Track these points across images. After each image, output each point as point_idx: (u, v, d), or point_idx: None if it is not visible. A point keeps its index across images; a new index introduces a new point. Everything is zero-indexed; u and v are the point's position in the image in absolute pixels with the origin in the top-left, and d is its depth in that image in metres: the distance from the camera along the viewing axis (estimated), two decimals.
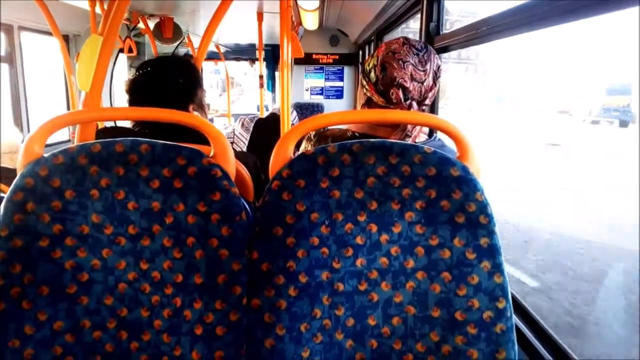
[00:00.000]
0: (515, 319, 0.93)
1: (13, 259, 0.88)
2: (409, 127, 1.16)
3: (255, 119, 3.17)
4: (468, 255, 0.90)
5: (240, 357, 0.91)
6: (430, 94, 1.20)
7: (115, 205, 0.91)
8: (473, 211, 0.90)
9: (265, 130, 3.07)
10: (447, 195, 0.90)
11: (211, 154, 0.94)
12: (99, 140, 0.92)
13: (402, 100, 1.18)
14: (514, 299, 0.92)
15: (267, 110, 3.12)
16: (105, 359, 0.92)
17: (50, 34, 3.91)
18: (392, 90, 1.18)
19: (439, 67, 1.21)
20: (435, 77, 1.20)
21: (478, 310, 0.90)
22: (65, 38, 4.17)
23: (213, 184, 0.91)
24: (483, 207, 0.90)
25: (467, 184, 0.90)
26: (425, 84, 1.18)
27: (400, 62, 1.17)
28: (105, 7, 3.31)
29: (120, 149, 0.90)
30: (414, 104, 1.18)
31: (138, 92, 1.32)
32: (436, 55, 1.21)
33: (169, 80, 1.33)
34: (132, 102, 1.32)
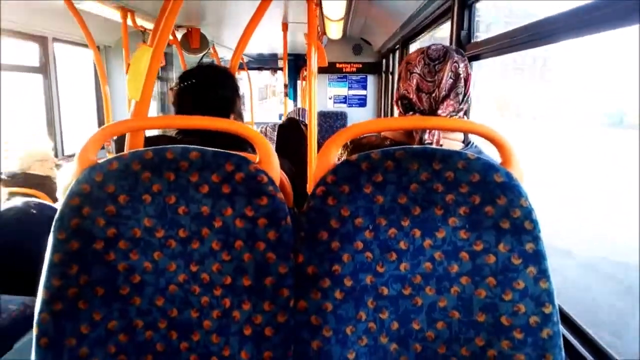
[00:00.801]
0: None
1: (70, 260, 0.91)
2: (424, 136, 1.15)
3: (277, 126, 3.22)
4: (513, 260, 0.90)
5: (288, 357, 0.92)
6: (442, 105, 1.17)
7: (167, 209, 0.94)
8: (518, 217, 0.90)
9: (288, 135, 3.12)
10: (491, 201, 0.91)
11: (257, 161, 0.97)
12: (150, 148, 0.95)
13: (404, 112, 1.19)
14: (559, 307, 0.92)
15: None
16: (156, 358, 0.94)
17: (81, 45, 4.03)
18: (399, 102, 1.20)
19: (458, 75, 1.17)
20: (453, 87, 1.17)
21: (524, 315, 0.90)
22: (98, 48, 4.29)
23: (260, 190, 0.93)
24: (528, 213, 0.90)
25: (511, 189, 0.90)
26: (434, 94, 1.17)
27: (409, 73, 1.18)
28: (137, 19, 3.39)
29: (171, 156, 0.93)
30: (417, 115, 1.18)
31: (186, 103, 1.37)
32: (457, 64, 1.17)
33: (213, 91, 1.37)
34: (180, 112, 1.36)
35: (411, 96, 1.18)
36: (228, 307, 0.94)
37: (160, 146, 0.95)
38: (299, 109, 3.36)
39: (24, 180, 2.63)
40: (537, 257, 0.90)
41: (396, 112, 1.25)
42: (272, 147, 1.00)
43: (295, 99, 7.44)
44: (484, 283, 0.91)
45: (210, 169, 0.93)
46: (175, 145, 0.95)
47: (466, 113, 1.25)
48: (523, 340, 0.89)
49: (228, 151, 0.95)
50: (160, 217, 0.94)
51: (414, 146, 0.94)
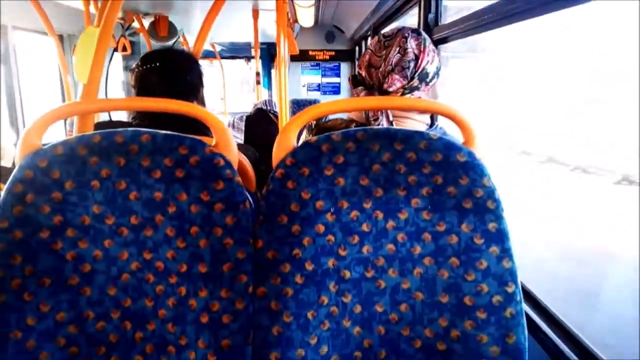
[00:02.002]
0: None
1: (13, 250, 0.86)
2: (390, 117, 1.15)
3: (244, 117, 3.17)
4: (476, 240, 0.89)
5: (247, 345, 0.90)
6: (387, 79, 1.17)
7: (117, 195, 0.90)
8: (480, 196, 0.89)
9: (257, 125, 3.07)
10: (453, 181, 0.89)
11: (213, 144, 0.93)
12: (98, 131, 0.91)
13: (353, 87, 1.20)
14: (521, 285, 0.92)
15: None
16: (109, 349, 0.90)
17: (44, 33, 3.89)
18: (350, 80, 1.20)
19: (405, 50, 1.17)
20: (399, 61, 1.16)
21: (487, 295, 0.89)
22: (60, 38, 4.15)
23: (216, 173, 0.90)
24: (490, 192, 0.89)
25: (473, 169, 0.89)
26: (381, 69, 1.17)
27: (365, 50, 1.18)
28: (99, 5, 3.29)
29: (120, 140, 0.89)
30: (363, 93, 1.18)
31: (148, 87, 1.30)
32: (406, 39, 1.17)
33: (178, 76, 1.32)
34: (140, 94, 1.31)
35: (361, 71, 1.18)
36: (184, 295, 0.90)
37: (109, 129, 0.91)
38: (266, 100, 3.29)
39: None
40: (500, 236, 0.89)
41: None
42: (229, 130, 0.97)
43: (270, 88, 7.37)
44: (447, 264, 0.90)
45: (162, 153, 0.89)
46: (125, 129, 0.91)
47: (433, 94, 1.24)
48: (486, 320, 0.89)
49: (181, 134, 0.91)
50: (110, 204, 0.90)
51: (375, 127, 0.92)
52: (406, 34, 1.19)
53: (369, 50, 1.17)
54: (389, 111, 1.15)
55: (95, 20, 1.05)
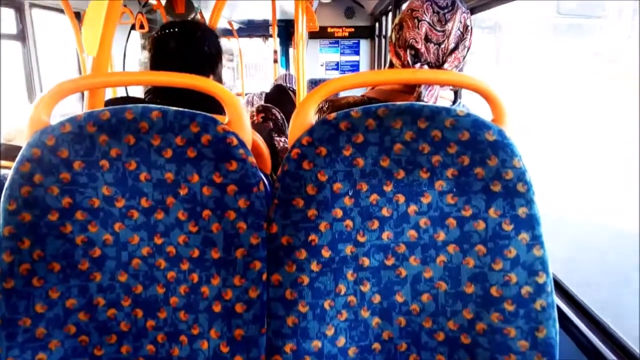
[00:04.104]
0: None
1: (22, 234, 0.84)
2: (423, 92, 1.06)
3: (263, 94, 3.09)
4: (504, 226, 0.83)
5: (261, 335, 0.86)
6: (450, 58, 1.10)
7: (127, 176, 0.86)
8: (510, 179, 0.82)
9: (275, 102, 3.00)
10: (481, 161, 0.83)
11: (226, 121, 0.88)
12: (107, 108, 0.87)
13: (411, 62, 1.10)
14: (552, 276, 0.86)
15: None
16: (120, 338, 0.88)
17: (61, 11, 3.87)
18: (402, 52, 1.11)
19: (466, 27, 1.10)
20: (460, 39, 1.09)
21: (516, 286, 0.83)
22: (77, 15, 4.12)
23: (229, 153, 0.85)
24: (521, 174, 0.82)
25: (503, 149, 0.82)
26: (443, 45, 1.08)
27: (415, 20, 1.08)
28: None
29: (130, 116, 0.85)
30: (426, 67, 1.09)
31: (162, 52, 1.26)
32: (465, 14, 1.10)
33: (196, 46, 1.27)
34: (154, 61, 1.27)
35: (419, 46, 1.08)
36: (196, 282, 0.87)
37: (119, 106, 0.86)
38: (285, 74, 3.22)
39: (4, 151, 2.55)
40: (531, 222, 0.83)
41: (396, 63, 1.15)
42: (245, 108, 0.92)
43: (287, 67, 7.28)
44: (472, 251, 0.85)
45: (173, 131, 0.85)
46: (134, 105, 0.86)
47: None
48: (514, 312, 0.83)
49: (192, 110, 0.86)
50: (120, 185, 0.86)
51: (398, 102, 0.86)
52: (463, 8, 1.11)
53: (426, 23, 1.08)
54: (436, 87, 1.07)
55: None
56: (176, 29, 1.27)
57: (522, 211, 0.83)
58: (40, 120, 0.86)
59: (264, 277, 0.86)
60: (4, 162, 2.30)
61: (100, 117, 0.85)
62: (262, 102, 3.13)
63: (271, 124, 1.49)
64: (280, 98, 2.96)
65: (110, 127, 0.85)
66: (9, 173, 1.71)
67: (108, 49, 1.02)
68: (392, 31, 1.16)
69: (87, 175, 0.85)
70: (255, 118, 1.52)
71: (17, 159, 0.84)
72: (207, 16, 5.35)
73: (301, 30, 2.62)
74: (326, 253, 0.85)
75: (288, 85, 3.09)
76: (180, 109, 0.86)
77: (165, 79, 0.95)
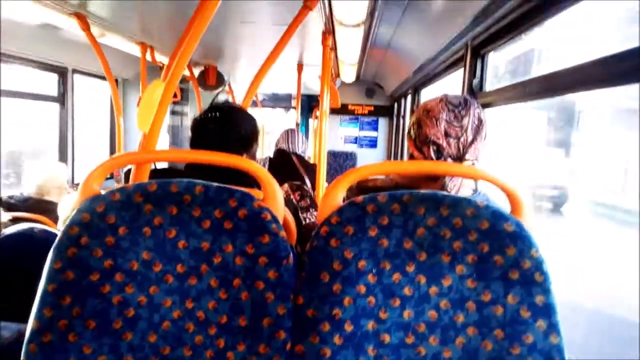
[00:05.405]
0: None
1: (63, 291, 0.89)
2: (447, 182, 1.15)
3: (267, 159, 2.97)
4: (522, 313, 0.87)
5: None
6: (470, 149, 1.18)
7: (166, 243, 0.92)
8: (528, 268, 0.87)
9: (277, 168, 2.86)
10: (500, 250, 0.88)
11: (261, 197, 0.96)
12: (155, 180, 0.95)
13: (435, 157, 1.18)
14: None
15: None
16: None
17: (100, 77, 4.13)
18: (424, 148, 1.19)
19: (481, 120, 1.19)
20: (477, 131, 1.18)
21: None
22: (115, 81, 4.39)
23: (262, 227, 0.92)
24: (539, 264, 0.87)
25: (522, 239, 0.88)
26: (462, 139, 1.17)
27: (434, 119, 1.17)
28: (155, 54, 3.46)
29: (175, 189, 0.93)
30: (449, 160, 1.17)
31: (204, 133, 1.37)
32: (478, 109, 1.20)
33: (235, 127, 1.38)
34: (195, 140, 1.37)
35: (441, 141, 1.17)
36: (222, 347, 0.90)
37: (165, 179, 0.95)
38: (287, 131, 2.94)
39: (35, 205, 2.65)
40: (548, 311, 0.86)
41: (417, 157, 1.24)
42: (278, 186, 0.99)
43: (307, 138, 7.49)
44: (491, 335, 0.88)
45: (213, 204, 0.92)
46: (180, 179, 0.94)
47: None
48: None
49: (232, 187, 0.94)
50: (159, 251, 0.92)
51: (422, 191, 0.93)
52: (475, 103, 1.21)
53: (444, 121, 1.17)
54: (459, 178, 1.15)
55: (162, 75, 1.12)
56: (216, 113, 1.40)
57: (539, 299, 0.87)
58: (91, 188, 0.95)
59: (288, 346, 0.89)
60: (34, 216, 2.40)
61: (148, 188, 0.93)
62: (267, 167, 3.05)
63: (308, 201, 1.57)
64: (282, 163, 2.84)
65: (156, 198, 0.92)
66: (37, 226, 1.79)
67: (159, 127, 1.12)
68: (410, 129, 1.26)
69: (130, 240, 0.92)
70: (292, 196, 1.61)
71: (67, 223, 0.92)
72: (234, 87, 5.64)
73: (325, 106, 2.77)
74: (349, 327, 0.89)
75: (290, 146, 2.89)
76: (221, 184, 0.94)
77: (212, 158, 1.03)
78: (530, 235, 0.88)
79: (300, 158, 2.86)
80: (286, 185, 1.62)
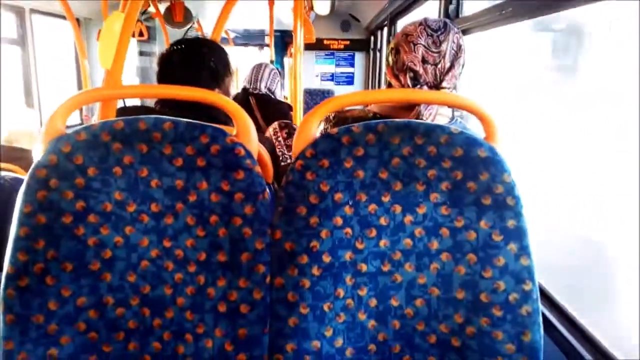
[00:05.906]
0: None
1: (37, 235, 0.88)
2: (422, 111, 1.13)
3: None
4: (494, 237, 0.89)
5: (264, 334, 0.91)
6: (447, 76, 1.16)
7: (139, 182, 0.90)
8: (500, 193, 0.88)
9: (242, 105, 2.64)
10: (473, 176, 0.89)
11: (234, 133, 0.93)
12: (121, 118, 0.91)
13: (411, 85, 1.16)
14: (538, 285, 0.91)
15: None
16: (128, 335, 0.92)
17: (61, 17, 3.91)
18: (401, 75, 1.17)
19: (460, 47, 1.16)
20: (455, 58, 1.15)
21: (504, 292, 0.89)
22: (77, 21, 4.17)
23: (236, 163, 0.90)
24: (510, 189, 0.88)
25: (494, 165, 0.88)
26: (439, 66, 1.14)
27: (412, 44, 1.14)
28: None
29: (143, 127, 0.90)
30: (425, 88, 1.15)
31: (170, 68, 1.31)
32: (457, 35, 1.16)
33: (203, 60, 1.32)
34: (162, 77, 1.31)
35: (417, 68, 1.14)
36: (202, 283, 0.91)
37: (133, 116, 0.91)
38: (254, 66, 2.50)
39: (4, 153, 2.56)
40: (519, 234, 0.89)
41: (395, 85, 1.21)
42: (250, 121, 0.97)
43: (282, 76, 7.34)
44: (464, 260, 0.90)
45: (184, 141, 0.90)
46: (148, 116, 0.91)
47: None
48: (502, 317, 0.89)
49: (203, 122, 0.91)
50: (132, 191, 0.90)
51: (397, 119, 0.91)
52: (455, 29, 1.17)
53: (421, 46, 1.14)
54: (434, 106, 1.13)
55: (120, 6, 1.05)
56: (183, 46, 1.33)
57: (510, 223, 0.88)
58: (56, 128, 0.91)
59: (268, 280, 0.91)
60: (4, 165, 2.33)
61: (115, 126, 0.89)
62: None
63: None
64: (241, 103, 2.61)
65: (124, 136, 0.89)
66: (8, 175, 1.74)
67: (122, 62, 1.07)
68: (388, 55, 1.23)
69: (101, 180, 0.89)
70: (279, 134, 1.56)
71: (33, 164, 0.89)
72: (204, 24, 5.41)
73: (299, 42, 2.68)
74: (326, 258, 0.90)
75: (253, 84, 2.43)
76: (191, 120, 0.91)
77: (178, 93, 1.00)
78: (503, 160, 0.89)
79: (261, 99, 2.40)
80: (275, 124, 1.59)
